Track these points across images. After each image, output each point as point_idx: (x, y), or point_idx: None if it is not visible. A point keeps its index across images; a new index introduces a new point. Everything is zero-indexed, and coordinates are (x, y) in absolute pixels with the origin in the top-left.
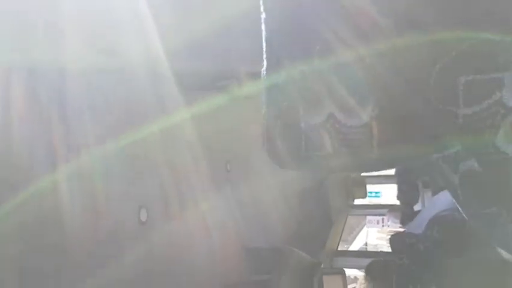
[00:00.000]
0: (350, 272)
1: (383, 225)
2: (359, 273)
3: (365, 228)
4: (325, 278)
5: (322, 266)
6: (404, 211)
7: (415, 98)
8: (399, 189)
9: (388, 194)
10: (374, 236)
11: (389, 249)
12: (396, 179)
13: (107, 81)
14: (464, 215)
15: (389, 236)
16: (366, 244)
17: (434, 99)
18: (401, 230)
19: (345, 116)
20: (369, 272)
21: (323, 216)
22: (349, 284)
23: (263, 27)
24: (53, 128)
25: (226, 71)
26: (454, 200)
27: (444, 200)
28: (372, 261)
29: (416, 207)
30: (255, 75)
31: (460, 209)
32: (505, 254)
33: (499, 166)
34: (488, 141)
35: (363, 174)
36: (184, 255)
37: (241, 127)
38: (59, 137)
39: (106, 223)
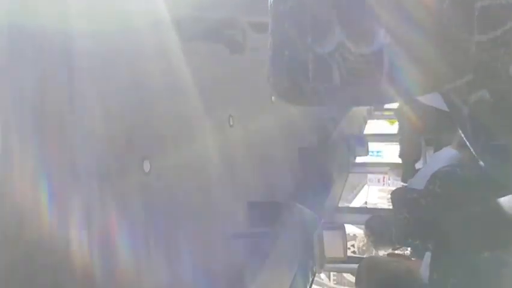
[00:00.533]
0: (349, 230)
1: (383, 184)
2: (358, 231)
3: (365, 187)
4: (325, 233)
5: (322, 221)
6: (406, 168)
7: (428, 23)
8: (401, 147)
9: (389, 153)
10: (374, 195)
11: (389, 208)
12: (398, 136)
13: (109, 32)
14: (473, 150)
15: (390, 193)
16: (366, 203)
17: (448, 25)
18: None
19: (355, 44)
20: (368, 226)
21: (324, 172)
22: (348, 241)
23: None
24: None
25: (231, 21)
26: (455, 156)
27: (447, 155)
28: (371, 216)
29: (418, 165)
30: (260, 26)
31: (468, 143)
32: (506, 207)
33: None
34: (502, 71)
35: (365, 132)
36: (187, 207)
37: (246, 80)
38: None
39: (110, 175)
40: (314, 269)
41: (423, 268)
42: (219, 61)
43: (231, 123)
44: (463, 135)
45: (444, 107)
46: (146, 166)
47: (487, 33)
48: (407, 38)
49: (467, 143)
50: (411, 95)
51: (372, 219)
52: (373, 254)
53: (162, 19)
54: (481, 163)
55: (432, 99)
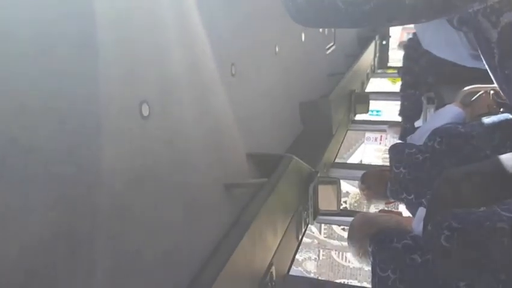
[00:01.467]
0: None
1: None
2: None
3: (362, 146)
4: (320, 186)
5: (319, 175)
6: (405, 126)
7: None
8: (402, 105)
9: (389, 112)
10: (370, 154)
11: (385, 165)
12: (399, 94)
13: None
14: (496, 81)
15: (389, 147)
16: (361, 161)
17: None
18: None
19: None
20: (364, 179)
21: (323, 128)
22: (341, 198)
23: None
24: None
25: None
26: (458, 113)
27: (448, 113)
28: (368, 170)
29: (417, 124)
30: None
31: (492, 74)
32: (506, 164)
33: None
34: None
35: (367, 90)
36: (185, 154)
37: (249, 28)
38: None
39: (107, 120)
40: (307, 220)
41: (416, 222)
42: (222, 6)
43: (233, 72)
44: (486, 66)
45: (457, 59)
46: (145, 110)
47: None
48: None
49: (490, 73)
50: (438, 13)
51: (368, 172)
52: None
53: None
54: (484, 120)
55: (444, 50)
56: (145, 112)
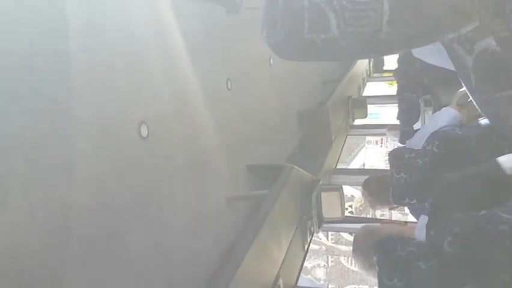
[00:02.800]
0: (347, 191)
1: (381, 146)
2: (356, 192)
3: (363, 150)
4: (323, 194)
5: (320, 182)
6: (403, 130)
7: None
8: (400, 108)
9: (386, 115)
10: (372, 158)
11: (387, 169)
12: (397, 97)
13: None
14: (476, 103)
15: (388, 153)
16: (364, 165)
17: None
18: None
19: None
20: (366, 186)
21: (323, 135)
22: (346, 202)
23: None
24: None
25: None
26: (455, 116)
27: (445, 116)
28: (369, 176)
29: (416, 126)
30: None
31: (471, 96)
32: (505, 167)
33: None
34: (510, 16)
35: (364, 94)
36: (186, 170)
37: (243, 42)
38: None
39: (107, 140)
40: (312, 229)
41: (418, 229)
42: (216, 22)
43: (229, 87)
44: (465, 89)
45: (446, 66)
46: (144, 130)
47: None
48: None
49: (470, 96)
50: (413, 44)
51: (370, 178)
52: (369, 216)
53: None
54: (481, 122)
55: (434, 58)
56: (144, 133)
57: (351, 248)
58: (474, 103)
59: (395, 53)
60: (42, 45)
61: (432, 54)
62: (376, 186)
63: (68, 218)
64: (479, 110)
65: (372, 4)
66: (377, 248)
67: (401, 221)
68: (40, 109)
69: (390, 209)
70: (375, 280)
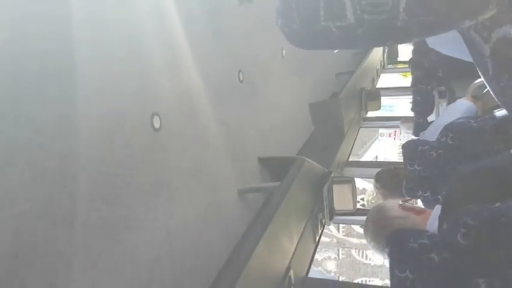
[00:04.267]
0: (359, 184)
1: (394, 138)
2: (368, 185)
3: (376, 143)
4: (335, 186)
5: (332, 175)
6: (418, 122)
7: None
8: (414, 100)
9: (401, 107)
10: (385, 150)
11: (400, 161)
12: (411, 89)
13: None
14: (493, 92)
15: (402, 145)
16: (376, 157)
17: None
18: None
19: None
20: (379, 178)
21: (335, 127)
22: (358, 195)
23: None
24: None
25: None
26: (470, 107)
27: (460, 108)
28: (382, 169)
29: (430, 119)
30: None
31: (488, 85)
32: None
33: None
34: None
35: (378, 86)
36: (198, 162)
37: (256, 33)
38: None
39: (120, 132)
40: (323, 221)
41: (431, 220)
42: (229, 13)
43: (241, 79)
44: (482, 78)
45: (462, 56)
46: (157, 122)
47: None
48: None
49: (486, 84)
50: (430, 32)
51: (383, 171)
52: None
53: None
54: (496, 114)
55: (450, 48)
56: (157, 124)
57: (362, 240)
58: (491, 92)
59: (412, 41)
60: (55, 39)
61: (448, 44)
62: (389, 178)
63: (80, 207)
64: (497, 99)
65: None
66: (389, 239)
67: (420, 208)
68: (53, 101)
69: (403, 201)
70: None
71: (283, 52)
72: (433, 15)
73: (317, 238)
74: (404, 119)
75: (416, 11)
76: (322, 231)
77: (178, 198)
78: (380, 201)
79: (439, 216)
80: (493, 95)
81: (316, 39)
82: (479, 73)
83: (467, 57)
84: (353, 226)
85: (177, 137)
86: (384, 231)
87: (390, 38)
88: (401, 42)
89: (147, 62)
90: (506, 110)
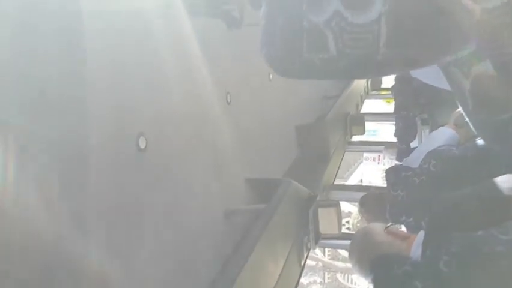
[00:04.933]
0: (344, 207)
1: (378, 163)
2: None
3: (360, 166)
4: (320, 209)
5: (318, 198)
6: (401, 147)
7: None
8: (397, 126)
9: (384, 132)
10: (369, 174)
11: (384, 186)
12: (394, 115)
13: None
14: (472, 125)
15: (385, 170)
16: (361, 181)
17: None
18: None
19: (352, 12)
20: (363, 203)
21: (320, 150)
22: (343, 218)
23: None
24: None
25: None
26: (452, 135)
27: (442, 135)
28: (366, 193)
29: (413, 145)
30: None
31: (468, 118)
32: (502, 187)
33: None
34: (507, 41)
35: (362, 111)
36: (184, 183)
37: (243, 56)
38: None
39: (104, 152)
40: (309, 245)
41: (415, 247)
42: (216, 37)
43: (229, 100)
44: (462, 111)
45: (443, 86)
46: (142, 142)
47: (493, 0)
48: (407, 5)
49: (466, 118)
50: (410, 67)
51: (367, 196)
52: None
53: None
54: (478, 142)
55: (431, 78)
56: (142, 144)
57: (348, 264)
58: (470, 125)
59: (392, 74)
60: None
61: (430, 75)
62: (374, 203)
63: (64, 226)
64: (476, 133)
65: (370, 27)
66: (374, 265)
67: (404, 233)
68: (37, 120)
69: (387, 227)
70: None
71: (271, 76)
72: (413, 51)
73: (302, 262)
74: (387, 146)
75: (396, 46)
76: (307, 255)
77: (161, 221)
78: (365, 225)
79: (422, 243)
80: (472, 128)
81: (300, 70)
82: (459, 106)
83: (448, 87)
84: (338, 250)
85: (163, 158)
86: (369, 255)
87: (371, 71)
88: (382, 76)
89: (134, 81)
90: (485, 143)
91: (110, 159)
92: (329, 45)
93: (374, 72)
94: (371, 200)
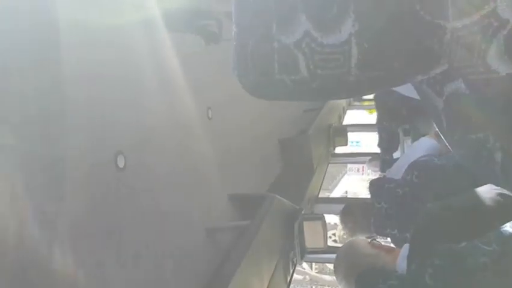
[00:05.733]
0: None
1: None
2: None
3: (345, 177)
4: (305, 223)
5: (303, 212)
6: (384, 158)
7: (400, 10)
8: (380, 137)
9: (368, 143)
10: (354, 185)
11: (368, 197)
12: (376, 126)
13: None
14: (448, 144)
15: (369, 183)
16: (346, 192)
17: (421, 11)
18: (381, 176)
19: (322, 33)
20: (345, 214)
21: (304, 163)
22: (329, 230)
23: None
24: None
25: (205, 11)
26: (433, 145)
27: (424, 146)
28: (347, 204)
29: (396, 155)
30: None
31: (443, 137)
32: (484, 197)
33: (489, 87)
34: (478, 59)
35: (344, 122)
36: (165, 202)
37: (223, 71)
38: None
39: (82, 171)
40: (295, 260)
41: (400, 260)
42: (195, 52)
43: (210, 116)
44: (437, 129)
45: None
46: (121, 161)
47: (462, 18)
48: (377, 25)
49: (441, 136)
50: (382, 86)
51: (350, 206)
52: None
53: (136, 9)
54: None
55: (410, 91)
56: (121, 163)
57: (335, 278)
58: (446, 144)
59: (366, 95)
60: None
61: (408, 88)
62: (358, 213)
63: (37, 244)
64: (452, 151)
65: (340, 47)
66: (359, 281)
67: (389, 247)
68: (14, 133)
69: (370, 238)
70: None
71: None
72: (385, 71)
73: (289, 278)
74: (370, 159)
75: (368, 66)
76: (294, 270)
77: (141, 240)
78: (348, 236)
79: (408, 257)
80: (448, 146)
81: (273, 91)
82: (434, 124)
83: None
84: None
85: (142, 177)
86: (355, 269)
87: (343, 92)
88: (355, 96)
89: (112, 97)
90: (461, 161)
91: (87, 179)
92: (300, 66)
93: (347, 93)
94: (354, 211)
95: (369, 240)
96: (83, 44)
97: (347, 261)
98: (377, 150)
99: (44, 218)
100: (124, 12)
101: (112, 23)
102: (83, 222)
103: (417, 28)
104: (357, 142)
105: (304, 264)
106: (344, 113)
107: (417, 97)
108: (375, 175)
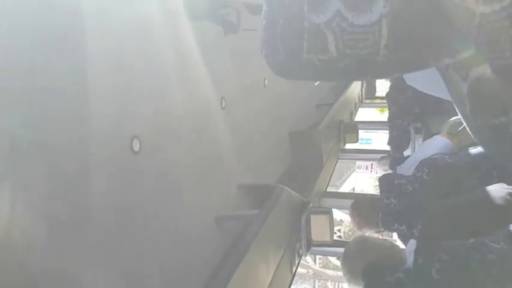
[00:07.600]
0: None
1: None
2: (345, 216)
3: (353, 175)
4: (313, 216)
5: (310, 205)
6: (394, 156)
7: None
8: (391, 134)
9: (378, 141)
10: (362, 182)
11: (377, 194)
12: (388, 124)
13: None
14: (469, 129)
15: (378, 178)
16: (354, 189)
17: None
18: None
19: (353, 13)
20: (355, 207)
21: (314, 158)
22: (335, 226)
23: None
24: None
25: (225, 1)
26: (446, 144)
27: (437, 144)
28: (358, 198)
29: (406, 153)
30: (256, 8)
31: (465, 122)
32: (494, 196)
33: None
34: (505, 44)
35: (356, 119)
36: (177, 187)
37: (239, 62)
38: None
39: (98, 155)
40: (301, 252)
41: (407, 253)
42: (214, 42)
43: (223, 106)
44: (460, 114)
45: (438, 94)
46: (136, 145)
47: (492, 4)
48: (408, 7)
49: (463, 121)
50: (409, 68)
51: (358, 200)
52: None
53: None
54: (471, 151)
55: (427, 86)
56: (136, 147)
57: (338, 273)
58: (468, 129)
59: (391, 76)
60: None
61: (425, 82)
62: (366, 208)
63: (57, 232)
64: (472, 136)
65: (371, 28)
66: (366, 273)
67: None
68: (31, 124)
69: (377, 232)
70: None
71: (266, 82)
72: (413, 53)
73: (294, 269)
74: (380, 159)
75: (397, 47)
76: (299, 261)
77: (153, 225)
78: (356, 230)
79: (415, 251)
80: (469, 131)
81: (299, 70)
82: (457, 109)
83: (444, 95)
84: (329, 258)
85: (156, 162)
86: (362, 263)
87: (370, 73)
88: (381, 77)
89: (130, 84)
90: (482, 147)
91: (103, 161)
92: (329, 46)
93: (374, 74)
94: (363, 205)
95: (377, 236)
96: (104, 32)
97: (356, 254)
98: (388, 149)
99: (61, 201)
100: (145, 1)
101: (132, 12)
102: (98, 204)
103: (447, 12)
104: (367, 140)
105: (308, 258)
106: (356, 109)
107: (433, 93)
108: (384, 173)
